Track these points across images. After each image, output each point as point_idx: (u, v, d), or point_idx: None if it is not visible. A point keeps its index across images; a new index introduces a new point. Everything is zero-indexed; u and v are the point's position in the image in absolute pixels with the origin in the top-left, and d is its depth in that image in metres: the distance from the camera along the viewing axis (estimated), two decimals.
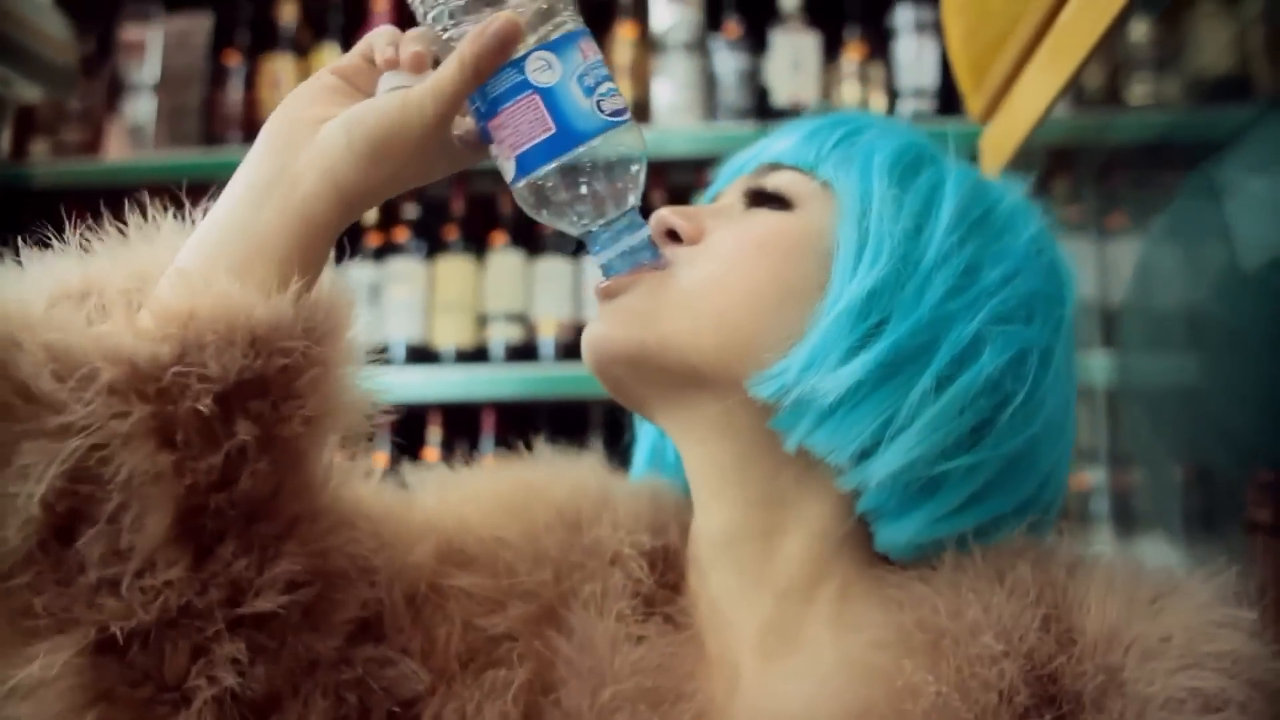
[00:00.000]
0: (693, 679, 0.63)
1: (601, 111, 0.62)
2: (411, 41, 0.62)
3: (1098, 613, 0.56)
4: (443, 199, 2.04)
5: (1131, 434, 1.32)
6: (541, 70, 0.61)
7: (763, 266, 0.64)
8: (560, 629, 0.64)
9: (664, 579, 0.68)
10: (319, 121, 0.59)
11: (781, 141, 0.70)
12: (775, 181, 0.68)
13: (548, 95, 0.61)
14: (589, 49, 0.63)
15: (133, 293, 0.56)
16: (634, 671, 0.61)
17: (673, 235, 0.67)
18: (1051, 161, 1.28)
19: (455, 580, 0.65)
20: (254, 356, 0.54)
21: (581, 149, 0.61)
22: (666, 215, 0.67)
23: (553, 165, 0.61)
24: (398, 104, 0.59)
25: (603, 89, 0.62)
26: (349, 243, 2.20)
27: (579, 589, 0.66)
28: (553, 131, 0.61)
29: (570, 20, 0.63)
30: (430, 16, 0.62)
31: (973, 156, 1.20)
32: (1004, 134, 1.21)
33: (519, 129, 0.61)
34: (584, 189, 0.63)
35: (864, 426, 0.60)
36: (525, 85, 0.61)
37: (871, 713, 0.56)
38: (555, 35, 0.62)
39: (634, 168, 0.64)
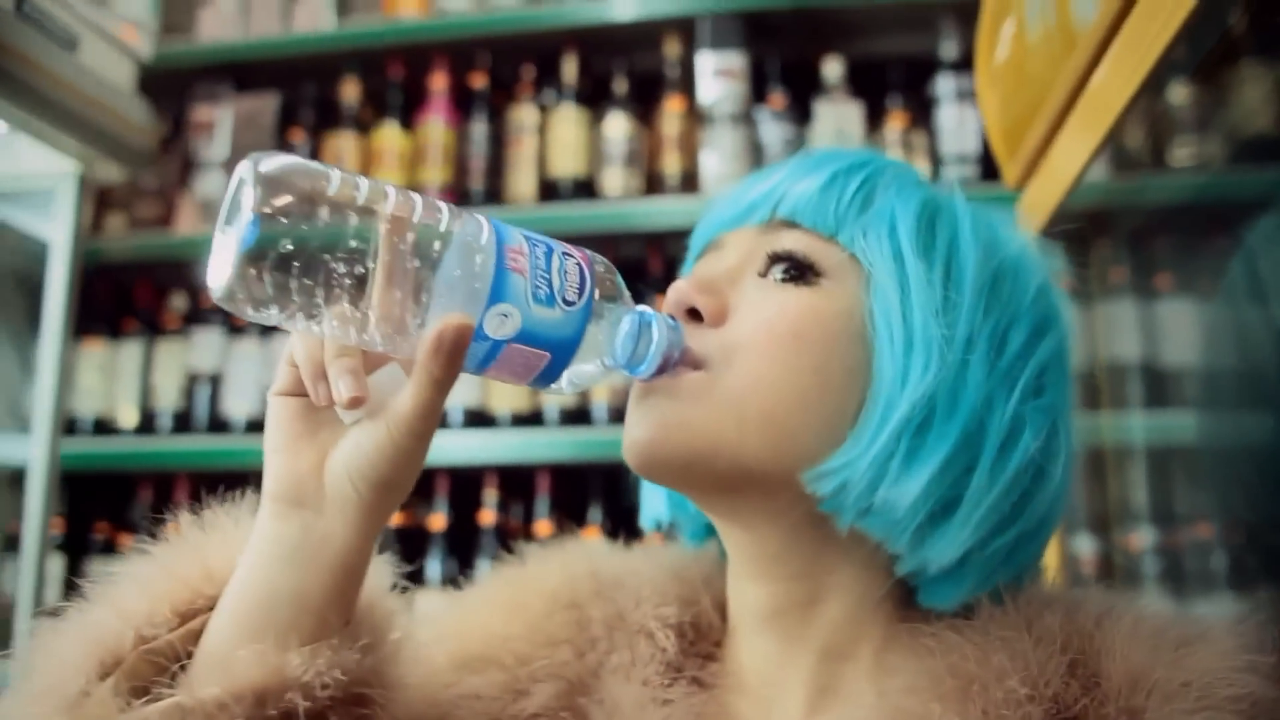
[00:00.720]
0: (726, 718, 0.67)
1: (571, 304, 0.58)
2: (340, 375, 0.57)
3: (1123, 658, 0.58)
4: None
5: (1181, 493, 1.32)
6: (502, 324, 0.57)
7: (803, 360, 0.63)
8: (590, 697, 0.68)
9: (694, 648, 0.70)
10: (316, 470, 0.59)
11: (796, 185, 0.68)
12: (800, 247, 0.66)
13: (523, 337, 0.57)
14: (516, 255, 0.58)
15: (187, 650, 0.59)
16: (642, 711, 0.65)
17: (694, 313, 0.66)
18: (1092, 224, 1.31)
19: (469, 686, 0.68)
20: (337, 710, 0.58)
21: (582, 345, 0.59)
22: (688, 293, 0.65)
23: (567, 373, 0.60)
24: (386, 442, 0.57)
25: (556, 283, 0.58)
26: None
27: (606, 660, 0.69)
28: (549, 357, 0.59)
29: (473, 235, 0.57)
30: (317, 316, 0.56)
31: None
32: (1041, 198, 1.24)
33: (515, 371, 0.59)
34: (597, 348, 0.61)
35: (920, 513, 0.61)
36: (498, 346, 0.57)
37: None
38: (487, 277, 0.56)
39: (619, 283, 0.62)
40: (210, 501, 0.67)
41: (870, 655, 0.66)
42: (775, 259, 0.66)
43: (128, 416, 2.18)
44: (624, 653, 0.69)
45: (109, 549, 2.16)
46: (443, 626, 0.74)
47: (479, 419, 2.02)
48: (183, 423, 2.15)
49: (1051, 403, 0.65)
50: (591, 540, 0.81)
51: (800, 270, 0.65)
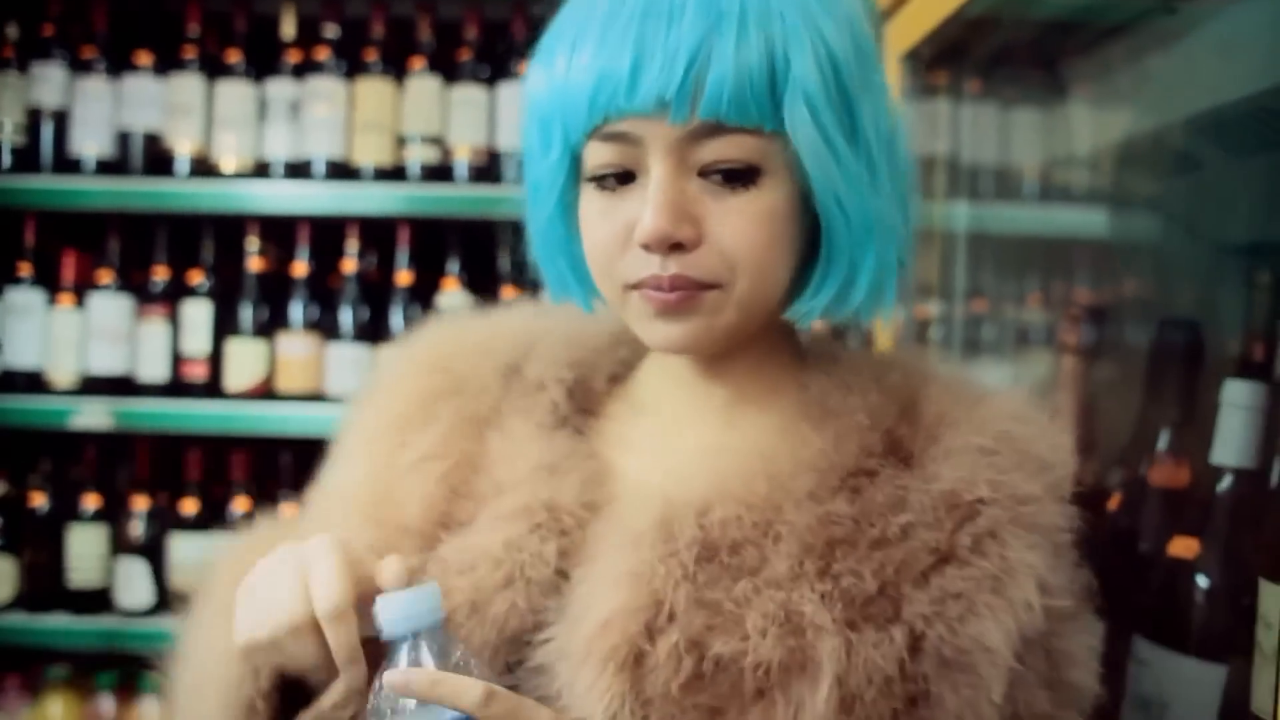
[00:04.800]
0: (595, 458, 0.83)
1: None
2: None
3: (936, 405, 0.79)
4: (363, 19, 2.10)
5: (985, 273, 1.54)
6: None
7: (780, 252, 0.75)
8: (495, 429, 0.84)
9: (580, 406, 0.87)
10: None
11: (705, 69, 0.70)
12: (735, 155, 0.72)
13: None
14: None
15: None
16: (543, 453, 0.82)
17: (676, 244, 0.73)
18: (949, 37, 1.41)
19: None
20: None
21: None
22: (671, 232, 0.72)
23: None
24: None
25: None
26: (268, 58, 2.24)
27: (500, 406, 0.85)
28: None
29: None
30: None
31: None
32: (917, 19, 1.33)
33: None
34: None
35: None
36: None
37: (775, 455, 0.77)
38: None
39: None
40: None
41: (762, 393, 0.83)
42: (715, 170, 0.73)
43: None
44: (525, 399, 0.85)
45: None
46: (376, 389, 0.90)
47: (342, 171, 2.08)
48: (27, 161, 2.11)
49: (905, 164, 0.81)
50: (499, 308, 0.95)
51: (744, 176, 0.73)
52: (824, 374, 0.81)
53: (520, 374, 0.87)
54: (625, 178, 0.74)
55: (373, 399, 0.89)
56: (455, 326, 0.92)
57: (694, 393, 0.83)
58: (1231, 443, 0.90)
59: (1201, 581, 0.89)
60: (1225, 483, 0.91)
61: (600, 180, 0.75)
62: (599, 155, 0.74)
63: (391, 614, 0.66)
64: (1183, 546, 0.92)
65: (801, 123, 0.72)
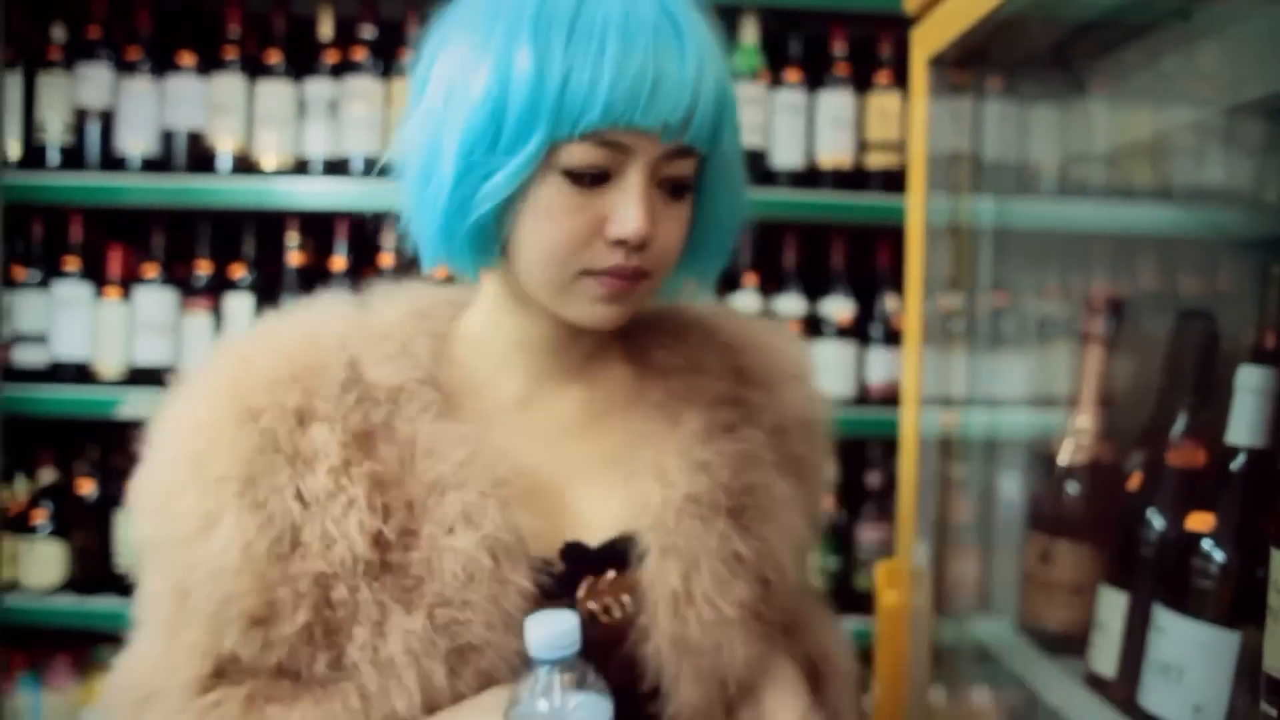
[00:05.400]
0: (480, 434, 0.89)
1: None
2: None
3: (735, 335, 1.04)
4: (398, 20, 2.16)
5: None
6: None
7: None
8: (381, 440, 0.86)
9: (446, 396, 0.91)
10: None
11: (697, 108, 0.83)
12: (687, 173, 0.87)
13: None
14: None
15: None
16: (455, 443, 0.87)
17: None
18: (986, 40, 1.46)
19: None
20: None
21: None
22: (650, 232, 0.84)
23: None
24: None
25: None
26: (307, 58, 2.27)
27: (371, 416, 0.87)
28: None
29: None
30: None
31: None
32: (945, 24, 1.38)
33: None
34: None
35: None
36: None
37: (673, 398, 0.97)
38: None
39: None
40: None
41: (607, 354, 0.99)
42: (670, 182, 0.86)
43: (12, 149, 2.18)
44: (401, 406, 0.88)
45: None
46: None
47: (379, 168, 2.13)
48: (74, 159, 2.18)
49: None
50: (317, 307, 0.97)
51: (683, 189, 0.88)
52: (657, 329, 1.01)
53: (363, 382, 0.88)
54: (599, 178, 0.83)
55: (194, 469, 0.86)
56: (241, 367, 0.89)
57: (553, 359, 0.96)
58: (1245, 424, 0.96)
59: (1217, 554, 0.95)
60: (1239, 461, 0.97)
61: (577, 177, 0.83)
62: (586, 155, 0.82)
63: (539, 641, 0.76)
64: (1199, 521, 0.98)
65: (727, 147, 0.89)
